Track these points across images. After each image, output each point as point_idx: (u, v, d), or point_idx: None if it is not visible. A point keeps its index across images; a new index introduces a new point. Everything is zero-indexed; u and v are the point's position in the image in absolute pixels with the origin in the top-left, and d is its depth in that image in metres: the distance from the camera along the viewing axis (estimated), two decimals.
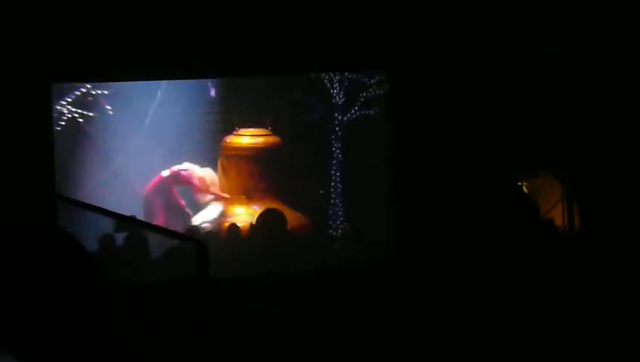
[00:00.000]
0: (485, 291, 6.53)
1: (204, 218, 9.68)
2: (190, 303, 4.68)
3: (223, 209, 9.80)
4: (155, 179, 9.76)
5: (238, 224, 9.21)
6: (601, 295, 6.35)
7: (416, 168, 7.18)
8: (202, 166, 10.01)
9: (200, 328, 4.60)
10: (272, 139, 9.97)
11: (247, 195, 9.88)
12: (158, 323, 4.98)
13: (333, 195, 9.74)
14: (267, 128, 9.97)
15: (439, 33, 7.04)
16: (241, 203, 9.85)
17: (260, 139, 9.97)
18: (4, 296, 1.38)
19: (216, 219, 9.69)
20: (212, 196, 9.98)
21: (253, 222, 9.02)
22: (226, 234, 9.15)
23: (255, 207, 9.66)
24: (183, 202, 9.83)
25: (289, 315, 6.31)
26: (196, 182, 10.00)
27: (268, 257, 8.20)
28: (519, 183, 7.53)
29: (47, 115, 6.71)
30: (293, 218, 9.23)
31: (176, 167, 9.85)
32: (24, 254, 1.42)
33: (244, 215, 9.63)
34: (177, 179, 10.01)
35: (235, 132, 10.00)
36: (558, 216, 7.43)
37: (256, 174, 9.98)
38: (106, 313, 1.45)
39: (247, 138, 9.98)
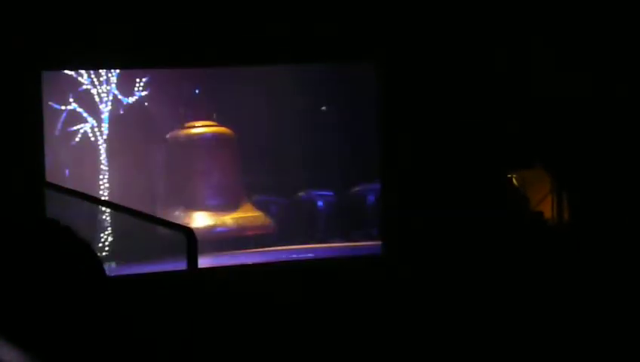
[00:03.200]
0: (474, 284, 6.54)
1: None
2: (179, 293, 4.67)
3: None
4: None
5: None
6: (590, 288, 6.37)
7: (404, 161, 7.15)
8: None
9: (188, 317, 4.59)
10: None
11: None
12: (146, 314, 4.96)
13: None
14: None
15: (429, 24, 7.03)
16: None
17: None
18: (4, 290, 1.37)
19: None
20: None
21: None
22: None
23: None
24: None
25: (275, 309, 6.30)
26: None
27: None
28: (509, 176, 7.54)
29: (37, 102, 6.63)
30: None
31: None
32: (24, 250, 1.41)
33: None
34: None
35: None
36: (547, 209, 7.44)
37: None
38: (112, 307, 1.43)
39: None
